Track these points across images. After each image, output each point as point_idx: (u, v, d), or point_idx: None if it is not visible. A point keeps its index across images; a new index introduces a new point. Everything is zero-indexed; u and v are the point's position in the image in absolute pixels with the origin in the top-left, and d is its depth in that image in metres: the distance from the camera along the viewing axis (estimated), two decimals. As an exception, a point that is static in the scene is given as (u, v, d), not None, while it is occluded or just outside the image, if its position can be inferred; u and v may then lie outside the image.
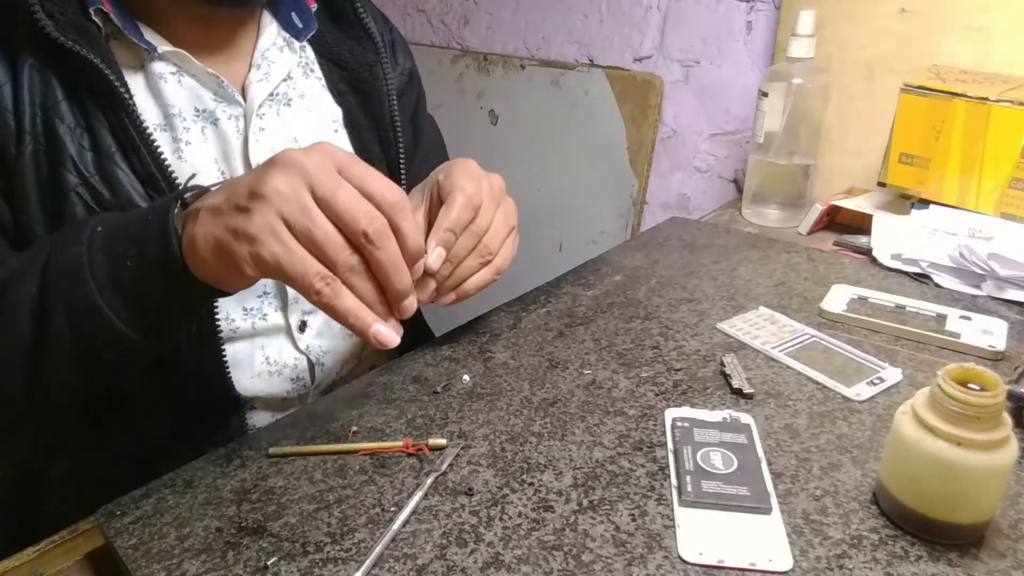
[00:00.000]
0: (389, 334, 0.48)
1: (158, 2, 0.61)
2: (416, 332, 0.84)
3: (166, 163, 0.59)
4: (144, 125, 0.59)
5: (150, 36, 0.61)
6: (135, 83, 0.61)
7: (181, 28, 0.62)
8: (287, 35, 0.70)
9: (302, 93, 0.70)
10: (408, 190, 0.77)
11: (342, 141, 0.72)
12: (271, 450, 0.53)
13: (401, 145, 0.75)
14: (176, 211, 0.49)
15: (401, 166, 0.75)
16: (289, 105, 0.68)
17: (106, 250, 0.50)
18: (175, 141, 0.62)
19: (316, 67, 0.73)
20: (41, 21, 0.54)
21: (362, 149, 0.74)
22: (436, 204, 0.59)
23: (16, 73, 0.56)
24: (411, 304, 0.49)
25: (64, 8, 0.56)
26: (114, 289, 0.49)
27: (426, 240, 0.56)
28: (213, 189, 0.50)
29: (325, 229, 0.45)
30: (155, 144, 0.59)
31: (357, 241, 0.45)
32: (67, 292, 0.50)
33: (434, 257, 0.55)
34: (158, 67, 0.62)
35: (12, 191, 0.57)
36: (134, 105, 0.58)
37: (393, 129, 0.74)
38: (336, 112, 0.73)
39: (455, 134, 0.94)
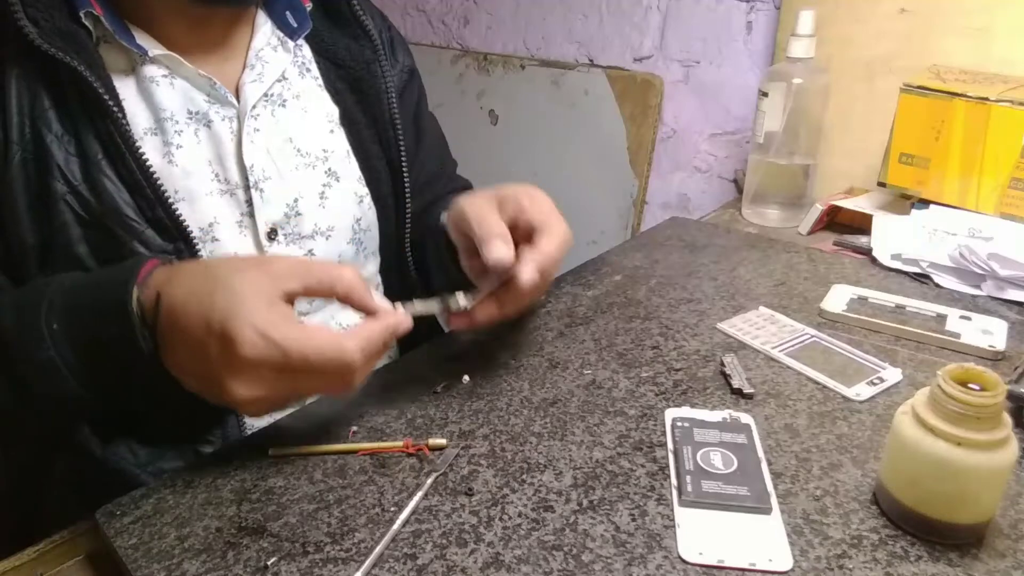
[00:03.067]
0: (400, 323, 0.52)
1: (150, 4, 0.61)
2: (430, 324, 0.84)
3: (152, 171, 0.59)
4: (129, 132, 0.58)
5: (142, 39, 0.61)
6: (126, 87, 0.61)
7: (174, 29, 0.62)
8: (281, 34, 0.69)
9: (297, 93, 0.70)
10: (411, 189, 0.77)
11: (338, 140, 0.72)
12: (271, 450, 0.53)
13: (402, 144, 0.74)
14: (146, 337, 0.49)
15: (403, 165, 0.75)
16: (284, 106, 0.68)
17: (80, 355, 0.50)
18: (165, 145, 0.61)
19: (313, 66, 0.72)
20: (25, 28, 0.54)
21: (360, 148, 0.74)
22: (509, 206, 0.60)
23: (3, 82, 0.56)
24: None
25: (50, 14, 0.56)
26: (94, 385, 0.52)
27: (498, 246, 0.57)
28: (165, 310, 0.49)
29: (309, 384, 0.49)
30: (140, 152, 0.58)
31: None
32: (47, 389, 0.51)
33: (527, 277, 0.55)
34: (149, 70, 0.61)
35: (1, 201, 0.57)
36: (119, 113, 0.58)
37: (393, 127, 0.74)
38: (332, 111, 0.72)
39: (455, 134, 0.94)
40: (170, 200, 0.60)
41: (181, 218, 0.60)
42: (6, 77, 0.56)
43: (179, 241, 0.61)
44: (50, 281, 0.53)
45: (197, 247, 0.61)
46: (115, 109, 0.57)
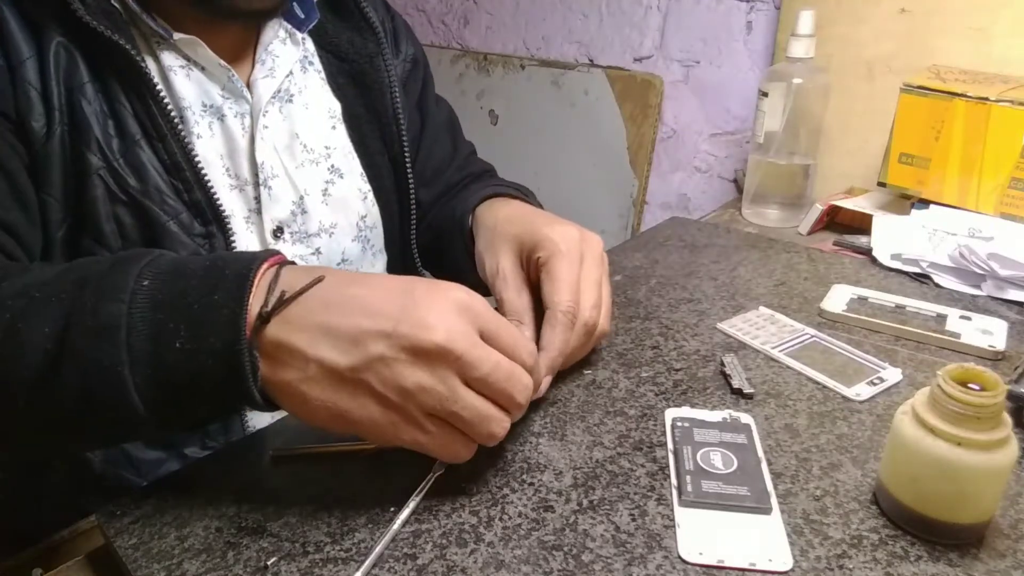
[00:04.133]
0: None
1: (168, 2, 0.61)
2: None
3: (192, 151, 0.59)
4: (171, 111, 0.58)
5: (162, 25, 0.61)
6: (151, 72, 0.61)
7: (188, 28, 0.62)
8: (288, 26, 0.69)
9: (300, 89, 0.69)
10: (420, 178, 0.77)
11: (340, 137, 0.72)
12: (273, 451, 0.53)
13: (405, 139, 0.74)
14: (248, 341, 0.42)
15: (406, 159, 0.74)
16: (291, 101, 0.68)
17: (152, 322, 0.42)
18: (188, 134, 0.61)
19: (315, 59, 0.72)
20: (72, 4, 0.54)
21: (361, 143, 0.73)
22: (531, 265, 0.59)
23: (42, 49, 0.55)
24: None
25: None
26: (151, 368, 0.42)
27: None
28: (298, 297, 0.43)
29: (472, 409, 0.44)
30: (181, 132, 0.59)
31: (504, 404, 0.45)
32: (92, 353, 0.42)
33: (544, 386, 0.54)
34: (167, 59, 0.61)
35: (36, 168, 0.55)
36: (162, 91, 0.58)
37: (396, 122, 0.73)
38: (335, 107, 0.72)
39: (455, 134, 0.94)
40: (209, 184, 0.60)
41: (219, 202, 0.60)
42: (44, 43, 0.55)
43: (213, 225, 0.61)
44: (164, 250, 0.47)
45: (230, 233, 0.62)
46: (159, 87, 0.57)
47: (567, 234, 0.58)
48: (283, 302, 0.43)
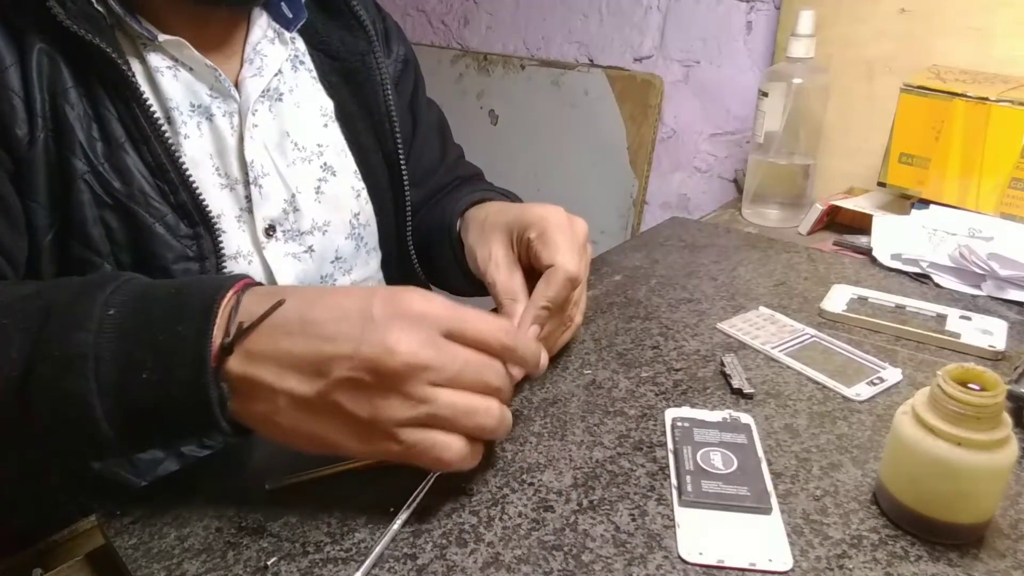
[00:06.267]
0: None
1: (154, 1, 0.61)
2: None
3: (176, 153, 0.59)
4: (155, 114, 0.58)
5: (147, 26, 0.61)
6: (137, 74, 0.61)
7: (175, 25, 0.62)
8: (277, 26, 0.69)
9: (291, 87, 0.69)
10: (410, 180, 0.77)
11: (333, 135, 0.72)
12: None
13: (399, 136, 0.74)
14: (214, 372, 0.42)
15: (400, 156, 0.75)
16: (281, 100, 0.68)
17: (119, 352, 0.42)
18: (175, 135, 0.61)
19: (307, 58, 0.72)
20: (53, 9, 0.54)
21: (355, 141, 0.73)
22: (522, 247, 0.59)
23: (24, 56, 0.55)
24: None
25: None
26: (118, 396, 0.43)
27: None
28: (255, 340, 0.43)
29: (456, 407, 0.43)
30: (165, 134, 0.58)
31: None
32: (60, 382, 0.42)
33: (534, 336, 0.54)
34: (154, 60, 0.61)
35: (20, 175, 0.55)
36: (146, 94, 0.58)
37: (389, 120, 0.74)
38: (327, 105, 0.72)
39: (455, 134, 0.94)
40: (195, 185, 0.60)
41: (205, 203, 0.60)
42: (26, 50, 0.55)
43: (199, 226, 0.61)
44: (131, 274, 0.48)
45: (218, 234, 0.61)
46: (142, 90, 0.57)
47: (556, 211, 0.60)
48: (242, 333, 0.43)
